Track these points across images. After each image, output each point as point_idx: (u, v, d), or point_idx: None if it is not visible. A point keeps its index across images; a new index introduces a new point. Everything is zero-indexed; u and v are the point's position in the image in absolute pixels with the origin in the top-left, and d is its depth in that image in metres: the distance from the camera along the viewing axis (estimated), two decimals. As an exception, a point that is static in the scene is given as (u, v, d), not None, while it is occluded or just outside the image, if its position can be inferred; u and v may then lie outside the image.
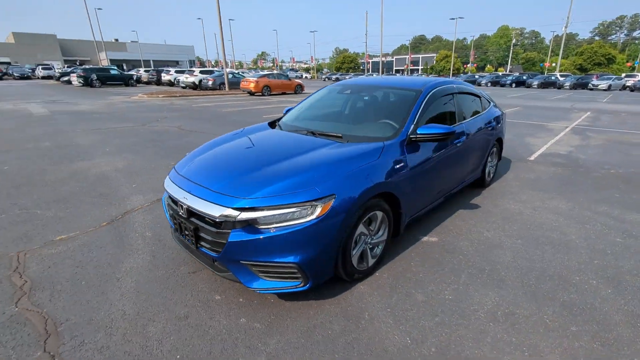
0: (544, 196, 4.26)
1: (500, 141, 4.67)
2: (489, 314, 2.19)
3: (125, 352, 1.88)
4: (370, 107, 3.46)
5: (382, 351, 1.89)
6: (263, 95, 20.08)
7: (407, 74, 62.76)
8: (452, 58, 51.77)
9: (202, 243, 2.21)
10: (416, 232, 3.27)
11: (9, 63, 53.87)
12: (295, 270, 2.06)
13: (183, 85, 24.90)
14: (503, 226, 3.43)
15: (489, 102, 4.53)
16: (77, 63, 61.43)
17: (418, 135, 2.77)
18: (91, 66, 32.24)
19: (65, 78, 29.80)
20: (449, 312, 2.20)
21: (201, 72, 24.69)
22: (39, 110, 12.53)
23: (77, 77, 26.53)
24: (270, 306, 2.25)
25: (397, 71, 76.54)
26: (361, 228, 2.36)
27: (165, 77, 29.33)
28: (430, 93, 3.22)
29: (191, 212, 2.24)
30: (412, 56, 71.87)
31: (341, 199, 2.12)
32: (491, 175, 4.65)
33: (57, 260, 2.75)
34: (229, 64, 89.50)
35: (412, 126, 2.85)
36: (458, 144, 3.39)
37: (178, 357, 1.85)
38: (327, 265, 2.17)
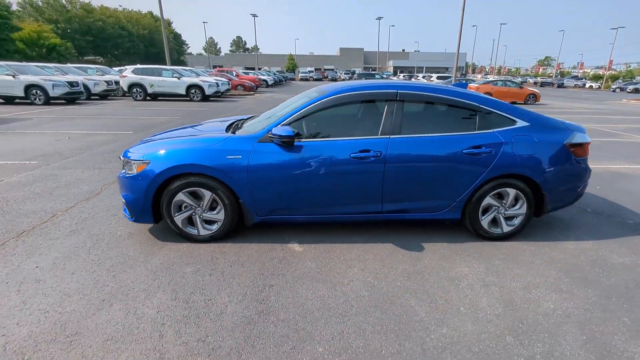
0: (561, 278, 2.27)
1: (530, 182, 2.74)
2: (196, 308, 2.07)
3: (71, 219, 3.38)
4: (289, 108, 3.18)
5: (96, 268, 2.39)
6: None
7: None
8: None
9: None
10: (293, 237, 2.95)
11: (332, 70, 73.47)
12: (124, 205, 2.82)
13: (421, 88, 25.74)
14: (399, 280, 2.38)
15: (515, 121, 2.72)
16: (371, 69, 74.87)
17: (273, 135, 2.58)
18: (360, 72, 38.99)
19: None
20: (170, 289, 2.26)
21: (437, 77, 24.49)
22: (283, 97, 17.45)
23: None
24: (141, 232, 3.10)
25: None
26: (182, 197, 2.70)
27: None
28: (333, 97, 2.72)
29: None
30: None
31: (153, 166, 2.63)
32: (504, 227, 2.85)
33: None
34: (502, 71, 79.72)
35: (279, 126, 2.64)
36: (365, 161, 2.61)
37: (81, 234, 3.14)
38: (144, 211, 2.75)
